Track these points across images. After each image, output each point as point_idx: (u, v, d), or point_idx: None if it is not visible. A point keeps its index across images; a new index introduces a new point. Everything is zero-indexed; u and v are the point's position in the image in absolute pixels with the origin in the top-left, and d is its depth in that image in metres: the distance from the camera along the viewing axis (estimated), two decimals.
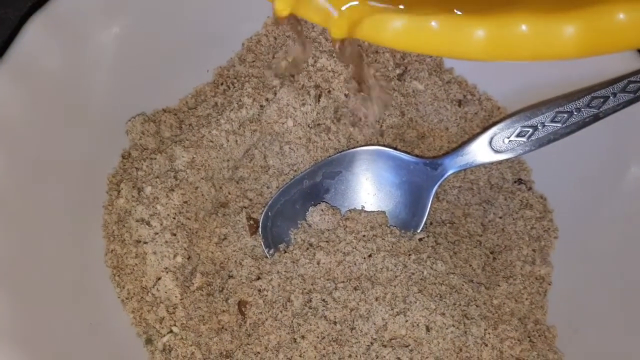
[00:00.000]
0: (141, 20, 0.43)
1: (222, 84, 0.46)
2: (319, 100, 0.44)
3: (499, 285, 0.41)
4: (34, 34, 0.38)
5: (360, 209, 0.43)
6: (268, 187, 0.43)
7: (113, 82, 0.43)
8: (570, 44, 0.36)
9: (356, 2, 0.35)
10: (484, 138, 0.42)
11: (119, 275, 0.41)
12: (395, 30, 0.35)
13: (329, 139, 0.44)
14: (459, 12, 0.36)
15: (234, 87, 0.46)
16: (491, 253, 0.43)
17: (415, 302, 0.38)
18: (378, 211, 0.42)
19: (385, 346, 0.37)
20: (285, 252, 0.41)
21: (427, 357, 0.37)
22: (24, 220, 0.37)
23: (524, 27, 0.36)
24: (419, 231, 0.42)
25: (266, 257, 0.41)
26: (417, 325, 0.37)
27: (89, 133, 0.42)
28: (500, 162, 0.45)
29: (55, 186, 0.39)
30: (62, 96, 0.40)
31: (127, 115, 0.44)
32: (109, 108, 0.43)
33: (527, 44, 0.36)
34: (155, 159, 0.42)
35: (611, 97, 0.40)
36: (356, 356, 0.37)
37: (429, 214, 0.43)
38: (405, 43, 0.36)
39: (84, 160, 0.41)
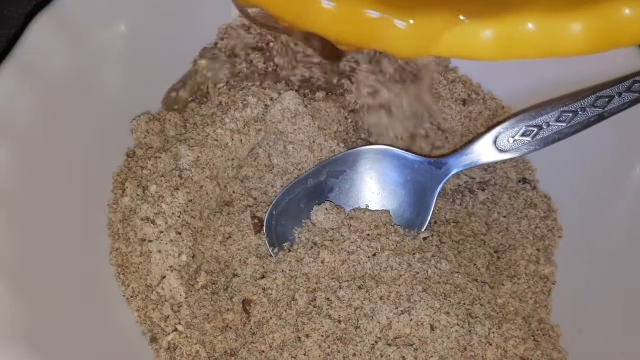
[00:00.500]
0: (146, 19, 0.43)
1: (226, 82, 0.46)
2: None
3: (503, 285, 0.41)
4: (40, 32, 0.38)
5: (365, 208, 0.43)
6: (272, 187, 0.43)
7: (118, 80, 0.43)
8: (578, 41, 0.36)
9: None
10: (489, 137, 0.42)
11: (123, 274, 0.41)
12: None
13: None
14: (462, 17, 0.36)
15: (239, 85, 0.46)
16: (495, 252, 0.43)
17: (420, 301, 0.38)
18: (382, 210, 0.42)
19: (390, 345, 0.37)
20: (290, 251, 0.41)
21: (431, 356, 0.37)
22: (29, 218, 0.37)
23: (530, 25, 0.36)
24: (423, 230, 0.42)
25: (271, 256, 0.41)
26: (422, 324, 0.37)
27: (94, 131, 0.42)
28: (504, 162, 0.45)
29: (61, 184, 0.39)
30: (67, 94, 0.40)
31: (132, 114, 0.44)
32: (114, 107, 0.43)
33: (535, 42, 0.36)
34: (160, 157, 0.42)
35: (616, 97, 0.40)
36: (361, 355, 0.37)
37: (433, 213, 0.43)
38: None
39: (89, 159, 0.41)
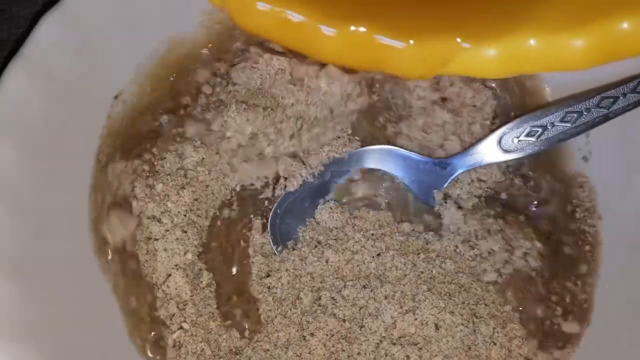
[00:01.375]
0: (155, 19, 0.43)
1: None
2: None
3: None
4: (47, 31, 0.39)
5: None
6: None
7: (125, 79, 0.43)
8: (579, 56, 0.37)
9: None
10: (493, 138, 0.42)
11: None
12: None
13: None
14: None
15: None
16: None
17: (425, 301, 0.38)
18: (386, 210, 0.43)
19: (394, 344, 0.37)
20: (294, 249, 0.41)
21: (436, 355, 0.37)
22: (35, 214, 0.37)
23: (533, 42, 0.37)
24: None
25: (274, 254, 0.41)
26: (426, 323, 0.37)
27: (101, 129, 0.42)
28: (508, 161, 0.45)
29: (67, 181, 0.40)
30: (75, 93, 0.40)
31: None
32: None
33: (538, 59, 0.37)
34: (165, 157, 0.42)
35: (621, 98, 0.40)
36: (365, 354, 0.37)
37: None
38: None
39: (95, 156, 0.42)
